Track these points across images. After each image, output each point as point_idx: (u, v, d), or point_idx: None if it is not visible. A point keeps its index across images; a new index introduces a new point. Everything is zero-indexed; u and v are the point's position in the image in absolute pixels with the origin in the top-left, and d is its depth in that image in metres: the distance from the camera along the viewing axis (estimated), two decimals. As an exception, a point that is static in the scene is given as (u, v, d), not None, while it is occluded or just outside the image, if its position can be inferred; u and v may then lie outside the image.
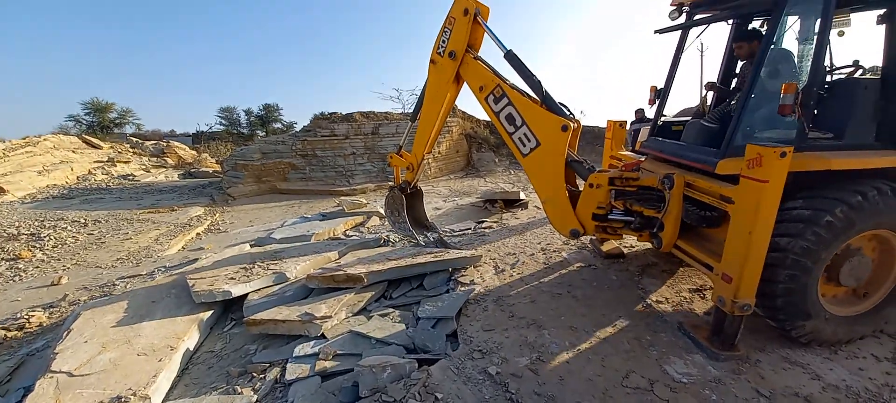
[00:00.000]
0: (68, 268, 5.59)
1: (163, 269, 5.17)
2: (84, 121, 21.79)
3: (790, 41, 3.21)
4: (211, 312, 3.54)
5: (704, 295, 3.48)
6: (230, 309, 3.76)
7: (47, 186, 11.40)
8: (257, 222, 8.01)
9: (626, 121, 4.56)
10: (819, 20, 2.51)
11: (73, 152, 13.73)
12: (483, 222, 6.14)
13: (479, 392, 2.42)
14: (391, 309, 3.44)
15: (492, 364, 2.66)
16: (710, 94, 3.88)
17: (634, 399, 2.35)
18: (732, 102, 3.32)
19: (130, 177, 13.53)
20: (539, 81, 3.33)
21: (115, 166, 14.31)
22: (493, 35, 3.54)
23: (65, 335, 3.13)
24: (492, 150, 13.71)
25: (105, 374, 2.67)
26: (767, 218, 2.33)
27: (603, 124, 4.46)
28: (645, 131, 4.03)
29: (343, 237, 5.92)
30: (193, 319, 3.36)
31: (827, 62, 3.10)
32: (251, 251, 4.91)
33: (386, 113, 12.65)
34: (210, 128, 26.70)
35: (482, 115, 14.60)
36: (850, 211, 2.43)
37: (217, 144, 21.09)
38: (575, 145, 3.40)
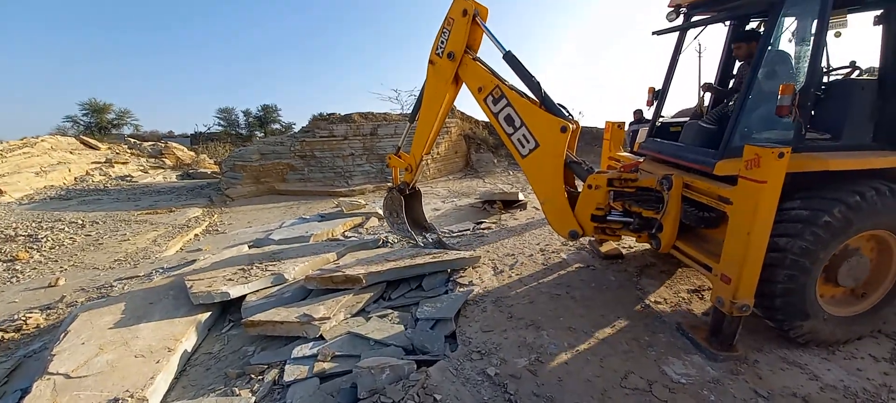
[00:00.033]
0: (66, 270, 5.57)
1: (161, 271, 5.16)
2: (82, 122, 21.74)
3: (787, 42, 3.22)
4: (209, 313, 3.53)
5: (703, 295, 3.48)
6: (228, 310, 3.75)
7: (45, 187, 11.36)
8: (256, 223, 8.00)
9: (624, 122, 4.57)
10: (816, 21, 2.52)
11: (71, 153, 13.69)
12: (482, 223, 6.14)
13: (478, 393, 2.42)
14: (390, 310, 3.43)
15: (490, 365, 2.66)
16: (708, 95, 3.89)
17: (633, 399, 2.35)
18: (730, 103, 3.33)
19: (128, 178, 13.50)
20: (538, 82, 3.33)
21: (113, 167, 14.28)
22: (492, 36, 3.54)
23: (62, 336, 3.12)
24: (491, 151, 13.72)
25: (102, 376, 2.66)
26: (766, 219, 2.33)
27: (604, 124, 4.46)
28: (643, 132, 4.04)
29: (342, 238, 5.91)
30: (191, 321, 3.35)
31: (824, 63, 3.12)
32: (249, 252, 4.90)
33: (384, 114, 12.65)
34: (208, 128, 26.66)
35: (481, 116, 14.62)
36: (848, 212, 2.44)
37: (215, 145, 21.06)
38: (574, 146, 3.40)
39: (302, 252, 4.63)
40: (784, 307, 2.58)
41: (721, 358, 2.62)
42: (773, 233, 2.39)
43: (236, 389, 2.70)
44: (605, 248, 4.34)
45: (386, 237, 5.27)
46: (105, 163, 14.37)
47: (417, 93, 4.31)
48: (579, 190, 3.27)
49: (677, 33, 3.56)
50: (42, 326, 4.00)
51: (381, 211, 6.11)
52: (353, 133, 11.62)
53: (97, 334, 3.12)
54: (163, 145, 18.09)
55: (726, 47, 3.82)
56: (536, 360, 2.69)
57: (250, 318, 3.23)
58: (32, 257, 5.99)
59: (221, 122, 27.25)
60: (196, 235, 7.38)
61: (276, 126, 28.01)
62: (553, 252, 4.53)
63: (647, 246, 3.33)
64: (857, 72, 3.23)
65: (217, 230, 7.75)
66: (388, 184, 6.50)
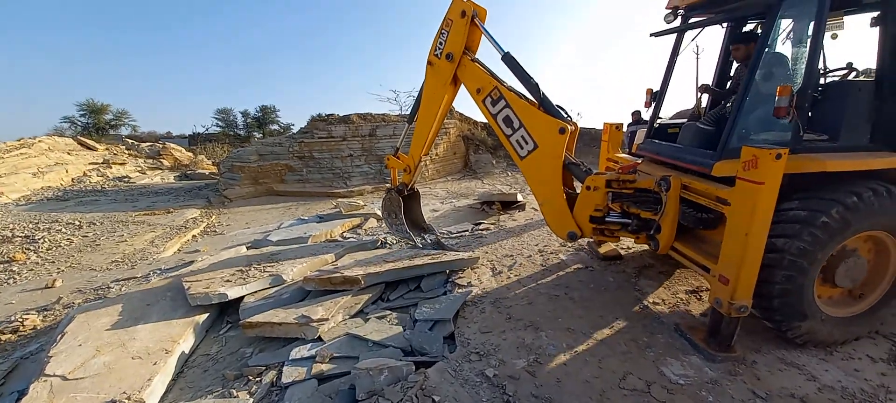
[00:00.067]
0: (63, 271, 5.55)
1: (158, 272, 5.14)
2: (79, 123, 21.65)
3: (785, 44, 3.23)
4: (206, 315, 3.52)
5: (701, 296, 3.49)
6: (226, 311, 3.74)
7: (42, 188, 11.32)
8: (254, 224, 7.98)
9: (622, 124, 4.57)
10: (813, 23, 2.53)
11: (68, 154, 13.64)
12: (480, 224, 6.14)
13: (477, 394, 2.42)
14: (388, 312, 3.43)
15: (489, 366, 2.65)
16: (705, 97, 3.90)
17: (631, 400, 2.35)
18: (728, 105, 3.34)
19: (126, 179, 13.46)
20: (536, 84, 3.33)
21: (111, 168, 14.24)
22: (491, 37, 3.54)
23: (59, 338, 3.10)
24: (489, 152, 13.73)
25: (99, 378, 2.65)
26: (763, 220, 2.34)
27: (602, 126, 4.46)
28: (641, 133, 4.04)
29: (340, 239, 5.90)
30: (189, 322, 3.34)
31: (821, 65, 3.13)
32: (247, 253, 4.89)
33: (383, 115, 12.66)
34: (206, 129, 26.61)
35: (480, 117, 14.63)
36: (845, 212, 2.44)
37: (213, 146, 21.03)
38: (572, 147, 3.41)
39: (300, 253, 4.62)
40: (782, 308, 2.59)
41: (719, 359, 2.62)
42: (770, 234, 2.40)
43: (234, 391, 2.70)
44: (603, 249, 4.34)
45: (384, 238, 5.27)
46: (102, 163, 14.33)
47: (416, 95, 4.31)
48: (578, 191, 3.28)
49: (675, 35, 3.57)
50: (39, 328, 3.98)
51: (379, 212, 6.11)
52: (351, 134, 11.61)
53: (94, 336, 3.11)
54: (161, 146, 18.04)
55: (724, 49, 3.83)
56: (535, 361, 2.69)
57: (248, 320, 3.22)
58: (29, 258, 5.97)
59: (219, 123, 27.21)
60: (194, 236, 7.36)
61: (275, 127, 27.98)
62: (552, 253, 4.53)
63: (646, 247, 3.34)
64: (854, 73, 3.24)
65: (215, 231, 7.73)
66: (387, 184, 6.49)
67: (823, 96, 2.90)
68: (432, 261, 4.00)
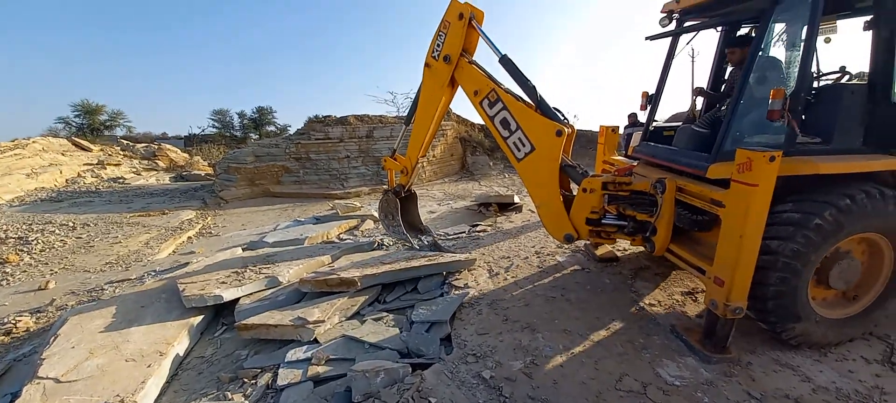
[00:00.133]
0: (56, 273, 5.50)
1: (153, 274, 5.11)
2: (74, 124, 21.53)
3: (778, 48, 3.26)
4: (201, 317, 3.50)
5: (696, 298, 3.50)
6: (221, 313, 3.71)
7: (36, 189, 11.22)
8: (250, 226, 7.95)
9: (618, 127, 4.60)
10: (806, 27, 2.55)
11: (63, 155, 13.54)
12: (477, 225, 6.14)
13: (473, 396, 2.41)
14: (385, 313, 3.42)
15: (486, 367, 2.65)
16: (700, 99, 3.93)
17: (628, 402, 2.36)
18: (723, 108, 3.36)
19: (120, 180, 13.37)
20: (534, 86, 3.35)
21: (105, 169, 14.13)
22: (488, 39, 3.55)
23: (52, 340, 3.08)
24: (486, 154, 13.75)
25: (93, 380, 2.62)
26: (758, 222, 2.36)
27: (602, 125, 4.49)
28: (637, 136, 4.07)
29: (337, 240, 5.89)
30: (183, 324, 3.32)
31: (814, 68, 3.16)
32: (243, 255, 4.87)
33: (380, 116, 12.66)
34: (202, 130, 26.52)
35: (477, 119, 14.66)
36: (838, 214, 2.46)
37: (209, 147, 20.95)
38: (569, 150, 3.42)
39: (296, 254, 4.60)
40: (776, 309, 2.60)
41: (714, 360, 2.63)
42: (765, 236, 2.42)
43: (229, 393, 2.68)
44: (600, 251, 4.35)
45: (381, 239, 5.26)
46: (97, 164, 14.22)
47: (413, 96, 4.31)
48: (574, 193, 3.28)
49: (670, 39, 3.60)
50: (32, 330, 3.94)
51: (376, 214, 6.10)
52: (348, 135, 11.60)
53: (87, 338, 3.08)
54: (156, 147, 17.94)
55: (718, 52, 3.86)
56: (532, 363, 2.69)
57: (244, 321, 3.21)
58: (22, 260, 5.91)
59: (216, 124, 27.12)
60: (189, 238, 7.32)
61: (271, 128, 27.91)
62: (548, 254, 4.54)
63: (642, 249, 3.35)
64: (847, 77, 3.27)
65: (210, 232, 7.69)
66: (384, 186, 6.49)
67: (817, 99, 2.93)
68: (429, 263, 3.99)
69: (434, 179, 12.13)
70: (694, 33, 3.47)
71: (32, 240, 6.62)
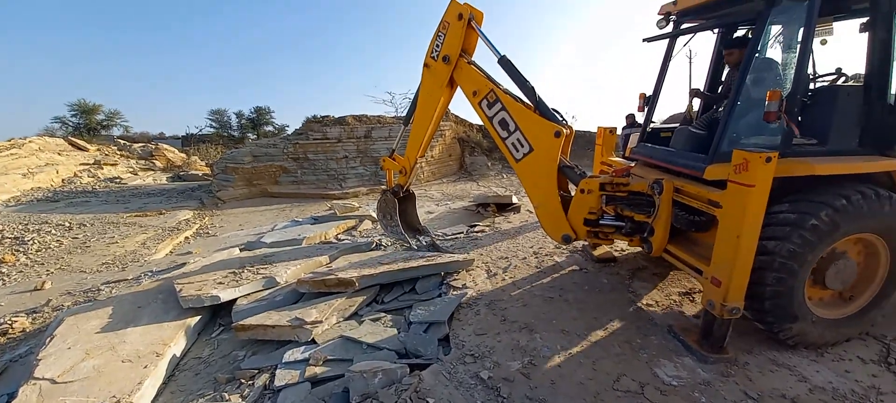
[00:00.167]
0: (52, 273, 5.47)
1: (149, 274, 5.08)
2: (70, 123, 21.46)
3: (775, 50, 3.28)
4: (199, 318, 3.49)
5: (694, 298, 3.51)
6: (218, 314, 3.70)
7: (32, 189, 11.17)
8: (247, 226, 7.93)
9: (616, 128, 4.61)
10: (802, 29, 2.57)
11: (59, 154, 13.47)
12: (475, 226, 6.14)
13: (471, 396, 2.41)
14: (383, 314, 3.41)
15: (484, 368, 2.65)
16: (696, 101, 3.94)
17: (625, 402, 2.36)
18: (720, 109, 3.38)
19: (117, 180, 13.32)
20: (532, 87, 3.36)
21: (102, 169, 14.08)
22: (487, 40, 3.56)
23: (48, 341, 3.06)
24: (484, 154, 13.77)
25: (89, 381, 2.61)
26: (754, 222, 2.37)
27: (600, 126, 4.50)
28: (635, 137, 4.08)
29: (335, 241, 5.88)
30: (180, 325, 3.30)
31: (810, 70, 3.18)
32: (240, 255, 4.85)
33: (378, 116, 12.66)
34: (200, 130, 26.49)
35: (475, 119, 14.69)
36: (834, 215, 2.48)
37: (207, 147, 20.90)
38: (567, 151, 3.43)
39: (294, 255, 4.59)
40: (773, 309, 2.61)
41: (712, 360, 2.64)
42: (761, 237, 2.43)
43: (226, 394, 2.67)
44: (598, 251, 4.36)
45: (379, 240, 5.25)
46: (94, 164, 14.16)
47: (412, 96, 4.31)
48: (572, 194, 3.29)
49: (667, 40, 3.61)
50: (28, 330, 3.92)
51: (374, 214, 6.09)
52: (346, 135, 11.59)
53: (84, 338, 3.06)
54: (153, 147, 17.88)
55: (715, 54, 3.88)
56: (530, 363, 2.69)
57: (241, 322, 3.20)
58: (18, 260, 5.88)
59: (213, 124, 27.08)
60: (186, 238, 7.29)
61: (269, 128, 27.88)
62: (546, 255, 4.55)
63: (639, 249, 3.36)
64: (843, 78, 3.29)
65: (208, 233, 7.67)
66: (382, 186, 6.48)
67: (813, 101, 2.94)
68: (427, 263, 3.99)
69: (432, 180, 12.13)
70: (691, 35, 3.49)
71: (28, 240, 6.59)
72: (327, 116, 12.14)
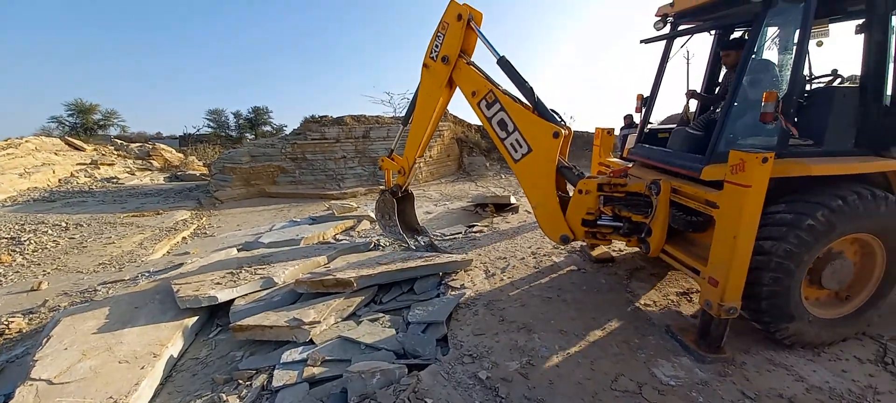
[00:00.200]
0: (49, 273, 5.45)
1: (147, 274, 5.07)
2: (67, 123, 21.37)
3: (772, 51, 3.30)
4: (196, 318, 3.48)
5: (691, 298, 3.53)
6: (216, 314, 3.69)
7: (28, 189, 11.12)
8: (245, 226, 7.91)
9: (613, 129, 4.62)
10: (798, 31, 2.58)
11: (56, 154, 13.41)
12: (474, 226, 6.15)
13: (470, 396, 2.41)
14: (381, 314, 3.41)
15: (482, 368, 2.65)
16: (693, 102, 3.96)
17: (623, 402, 2.37)
18: (717, 110, 3.39)
19: (114, 180, 13.27)
20: (531, 88, 3.36)
21: (99, 169, 14.02)
22: (487, 41, 3.56)
23: (44, 342, 3.05)
24: (483, 155, 13.77)
25: (86, 382, 2.60)
26: (751, 223, 2.38)
27: (600, 126, 4.51)
28: (633, 138, 4.09)
29: (333, 241, 5.87)
30: (178, 325, 3.29)
31: (806, 71, 3.20)
32: (238, 255, 4.84)
33: (377, 116, 12.66)
34: (198, 130, 26.42)
35: (473, 120, 14.70)
36: (830, 215, 2.49)
37: (205, 147, 20.85)
38: (566, 151, 3.43)
39: (292, 255, 4.58)
40: (770, 309, 2.62)
41: (709, 360, 2.65)
42: (758, 237, 2.44)
43: (224, 395, 2.66)
44: (596, 252, 4.37)
45: (377, 240, 5.25)
46: (90, 164, 14.10)
47: (411, 97, 4.31)
48: (570, 195, 3.30)
49: (665, 41, 3.63)
50: (25, 331, 3.90)
51: (372, 214, 6.09)
52: (345, 135, 11.58)
53: (80, 339, 3.05)
54: (150, 146, 17.82)
55: (712, 55, 3.90)
56: (528, 363, 2.69)
57: (239, 323, 3.19)
58: (15, 260, 5.85)
59: (211, 124, 27.01)
60: (184, 238, 7.27)
61: (267, 128, 27.83)
62: (545, 255, 4.55)
63: (637, 249, 3.36)
64: (839, 80, 3.31)
65: (205, 233, 7.64)
66: (380, 186, 6.48)
67: (809, 102, 2.96)
68: (425, 264, 3.99)
69: (430, 180, 12.13)
70: (688, 36, 3.50)
71: (25, 241, 6.55)
72: (325, 116, 12.12)
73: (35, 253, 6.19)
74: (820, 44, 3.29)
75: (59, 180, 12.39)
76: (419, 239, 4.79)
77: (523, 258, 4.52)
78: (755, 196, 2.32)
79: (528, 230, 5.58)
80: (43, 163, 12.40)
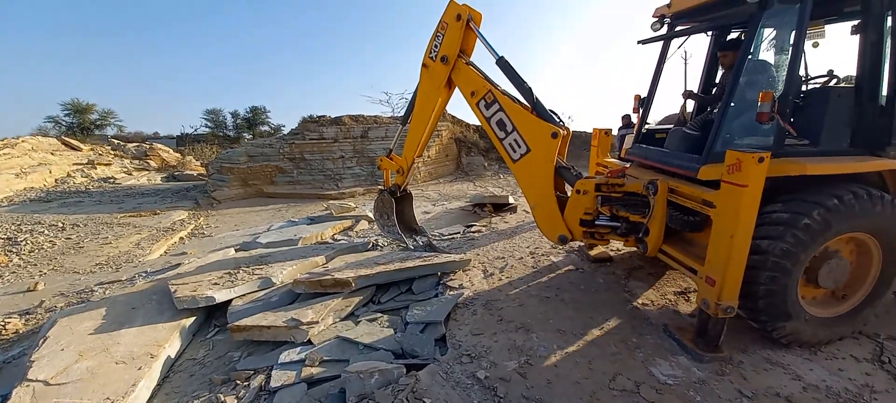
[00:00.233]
0: (45, 274, 5.42)
1: (144, 275, 5.05)
2: (63, 123, 21.23)
3: (769, 52, 3.31)
4: (193, 319, 3.47)
5: (689, 297, 3.54)
6: (214, 315, 3.68)
7: (24, 189, 11.05)
8: (243, 226, 7.89)
9: (611, 129, 4.64)
10: (794, 32, 2.60)
11: (52, 154, 13.35)
12: (472, 226, 6.15)
13: (468, 396, 2.42)
14: (379, 314, 3.41)
15: (480, 368, 2.65)
16: (690, 102, 3.97)
17: (621, 401, 2.37)
18: (714, 110, 3.40)
19: (111, 180, 13.21)
20: (530, 88, 3.37)
21: (96, 169, 13.96)
22: (486, 41, 3.57)
23: (41, 342, 3.03)
24: (481, 154, 13.78)
25: (82, 383, 2.59)
26: (748, 222, 2.39)
27: (600, 126, 4.52)
28: (631, 138, 4.10)
29: (331, 241, 5.86)
30: (175, 326, 3.28)
31: (803, 72, 3.21)
32: (236, 256, 4.83)
33: (375, 116, 12.65)
34: (195, 130, 26.32)
35: (472, 120, 14.71)
36: (826, 214, 2.50)
37: (202, 147, 20.78)
38: (564, 152, 3.44)
39: (290, 255, 4.58)
40: (767, 308, 2.64)
41: (707, 359, 2.66)
42: (755, 236, 2.45)
43: (221, 395, 2.65)
44: (594, 251, 4.38)
45: (376, 240, 5.25)
46: (87, 164, 14.04)
47: (409, 97, 4.32)
48: (568, 195, 3.31)
49: (662, 42, 3.64)
50: (21, 332, 3.88)
51: (371, 214, 6.08)
52: (343, 135, 11.57)
53: (77, 340, 3.04)
54: (147, 146, 17.75)
55: (709, 56, 3.91)
56: (526, 363, 2.70)
57: (236, 323, 3.18)
58: (11, 261, 5.82)
59: (208, 124, 26.90)
60: (181, 238, 7.25)
61: (265, 128, 27.74)
62: (543, 255, 4.56)
63: (635, 249, 3.38)
64: (835, 80, 3.33)
65: (203, 233, 7.62)
66: (379, 186, 6.48)
67: (805, 102, 2.98)
68: (424, 264, 3.99)
69: (429, 180, 12.13)
70: (685, 37, 3.51)
71: (21, 241, 6.52)
72: (324, 116, 12.11)
73: (31, 254, 6.15)
74: (816, 45, 3.31)
75: (56, 180, 12.33)
76: (417, 239, 4.79)
77: (521, 258, 4.53)
78: (752, 195, 2.33)
79: (526, 230, 5.59)
80: (39, 163, 12.33)
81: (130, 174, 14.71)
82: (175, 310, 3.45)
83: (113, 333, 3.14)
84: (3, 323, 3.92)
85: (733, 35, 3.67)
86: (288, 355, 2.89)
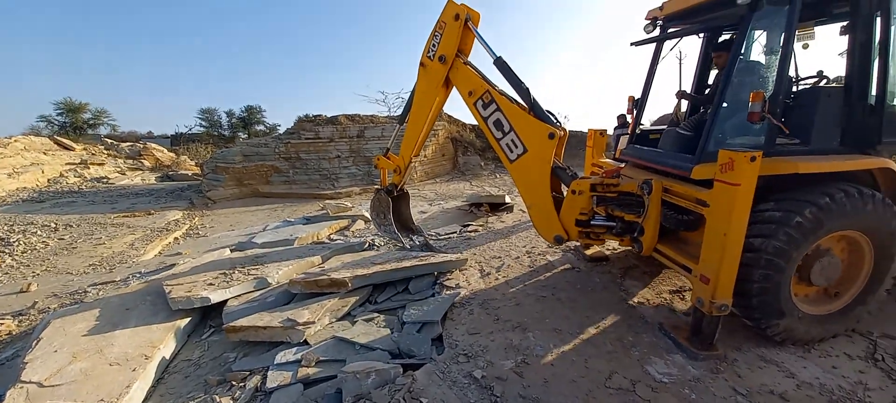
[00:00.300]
0: (38, 275, 5.36)
1: (138, 275, 5.01)
2: (56, 122, 20.95)
3: (759, 53, 3.35)
4: (188, 319, 3.45)
5: (684, 296, 3.57)
6: (209, 316, 3.66)
7: (17, 189, 10.93)
8: (238, 226, 7.85)
9: (606, 129, 4.66)
10: (783, 33, 2.63)
11: (44, 154, 13.20)
12: (469, 226, 6.16)
13: (465, 395, 2.42)
14: (376, 314, 3.41)
15: (477, 367, 2.66)
16: (683, 102, 4.00)
17: (617, 399, 2.39)
18: (707, 110, 3.43)
19: (104, 180, 13.09)
20: (527, 89, 3.38)
21: (89, 168, 13.82)
22: (484, 41, 3.57)
23: (34, 344, 3.00)
24: (478, 154, 13.80)
25: (76, 384, 2.57)
26: (740, 220, 2.41)
27: (601, 126, 4.55)
28: (626, 139, 4.13)
29: (327, 241, 5.85)
30: (170, 327, 3.26)
31: (793, 72, 3.25)
32: (231, 256, 4.81)
33: (371, 116, 12.63)
34: (190, 129, 26.07)
35: (468, 119, 14.72)
36: (818, 212, 2.53)
37: (197, 146, 20.61)
38: (560, 152, 3.45)
39: (286, 255, 4.56)
40: (760, 306, 2.66)
41: (702, 357, 2.68)
42: (748, 234, 2.47)
43: (217, 396, 2.64)
44: (589, 251, 4.40)
45: (372, 240, 5.24)
46: (80, 164, 13.90)
47: (406, 96, 4.32)
48: (564, 195, 3.32)
49: (655, 44, 3.67)
50: (14, 333, 3.84)
51: (367, 214, 6.08)
52: (339, 135, 11.54)
53: (71, 341, 3.01)
54: (141, 146, 17.61)
55: (702, 56, 3.95)
56: (523, 362, 2.71)
57: (232, 324, 3.17)
58: (4, 261, 5.75)
59: (203, 123, 26.67)
60: (176, 239, 7.20)
61: (260, 127, 27.57)
62: (539, 254, 4.58)
63: (630, 248, 3.40)
64: (824, 80, 3.37)
65: (198, 233, 7.57)
66: (375, 186, 6.48)
67: (796, 102, 3.01)
68: (420, 263, 3.99)
69: (425, 179, 12.13)
70: (677, 39, 3.54)
71: (14, 242, 6.45)
72: (319, 116, 12.07)
73: (24, 255, 6.09)
74: (806, 46, 3.35)
75: (49, 180, 12.20)
76: (414, 238, 4.80)
77: (518, 257, 4.54)
78: (744, 194, 2.36)
79: (522, 229, 5.60)
80: (32, 163, 12.20)
81: (124, 174, 14.59)
82: (170, 311, 3.43)
83: (107, 334, 3.11)
84: (-6, 325, 3.88)
85: (726, 36, 3.71)
86: (284, 355, 2.88)
